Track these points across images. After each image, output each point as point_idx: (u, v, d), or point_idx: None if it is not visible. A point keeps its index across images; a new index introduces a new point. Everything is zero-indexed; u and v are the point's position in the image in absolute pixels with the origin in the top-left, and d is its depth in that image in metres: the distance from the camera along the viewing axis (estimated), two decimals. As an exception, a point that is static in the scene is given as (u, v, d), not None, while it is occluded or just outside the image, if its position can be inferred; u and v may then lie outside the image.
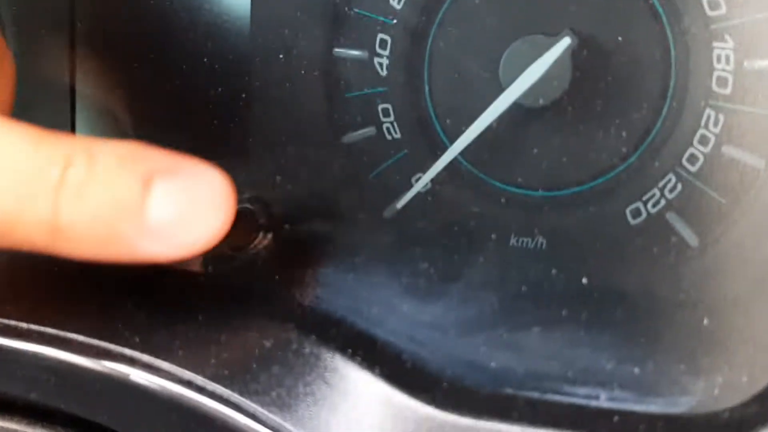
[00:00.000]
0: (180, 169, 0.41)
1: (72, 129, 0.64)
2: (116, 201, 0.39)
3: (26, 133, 0.40)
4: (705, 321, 0.46)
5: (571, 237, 0.55)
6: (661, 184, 0.54)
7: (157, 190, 0.40)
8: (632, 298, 0.51)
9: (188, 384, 0.41)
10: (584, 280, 0.51)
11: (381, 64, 0.57)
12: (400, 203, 0.57)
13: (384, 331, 0.47)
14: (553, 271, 0.53)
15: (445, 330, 0.48)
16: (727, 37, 0.51)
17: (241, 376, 0.42)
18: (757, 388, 0.41)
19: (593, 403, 0.42)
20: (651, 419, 0.40)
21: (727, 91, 0.52)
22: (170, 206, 0.40)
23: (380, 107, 0.58)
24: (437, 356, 0.46)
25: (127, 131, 0.63)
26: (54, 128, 0.63)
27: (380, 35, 0.57)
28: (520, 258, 0.55)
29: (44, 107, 0.64)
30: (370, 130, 0.58)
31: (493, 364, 0.45)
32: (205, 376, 0.41)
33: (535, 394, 0.43)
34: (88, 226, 0.39)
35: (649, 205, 0.54)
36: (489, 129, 0.53)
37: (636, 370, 0.44)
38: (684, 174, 0.53)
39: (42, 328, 0.43)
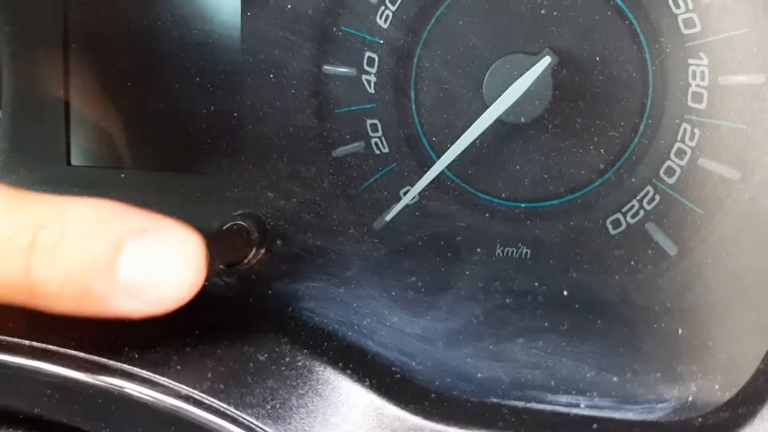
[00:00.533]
0: (151, 229, 0.42)
1: (67, 148, 0.65)
2: (87, 262, 0.40)
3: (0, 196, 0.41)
4: (680, 330, 0.48)
5: (555, 247, 0.57)
6: (639, 196, 0.56)
7: (127, 251, 0.41)
8: (612, 308, 0.53)
9: (186, 398, 0.42)
10: (565, 292, 0.53)
11: (369, 82, 0.59)
12: (389, 216, 0.59)
13: (374, 344, 0.49)
14: (536, 283, 0.54)
15: (433, 342, 0.50)
16: (702, 54, 0.53)
17: (236, 390, 0.43)
18: (728, 395, 0.43)
19: (574, 411, 0.44)
20: (628, 426, 0.42)
21: (703, 106, 0.53)
22: (140, 266, 0.41)
23: (369, 123, 0.59)
24: (426, 368, 0.47)
25: (120, 150, 0.65)
26: (49, 149, 0.65)
27: (368, 53, 0.58)
28: (506, 268, 0.56)
29: (39, 126, 0.66)
30: (359, 145, 0.60)
31: (479, 375, 0.47)
32: (201, 390, 0.43)
33: (520, 403, 0.45)
34: (61, 285, 0.41)
35: (629, 216, 0.56)
36: (474, 144, 0.55)
37: (615, 378, 0.46)
38: (662, 186, 0.55)
39: (44, 346, 0.44)
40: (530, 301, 0.54)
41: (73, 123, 0.66)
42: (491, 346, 0.49)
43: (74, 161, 0.66)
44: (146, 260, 0.41)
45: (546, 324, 0.51)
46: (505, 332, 0.50)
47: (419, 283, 0.55)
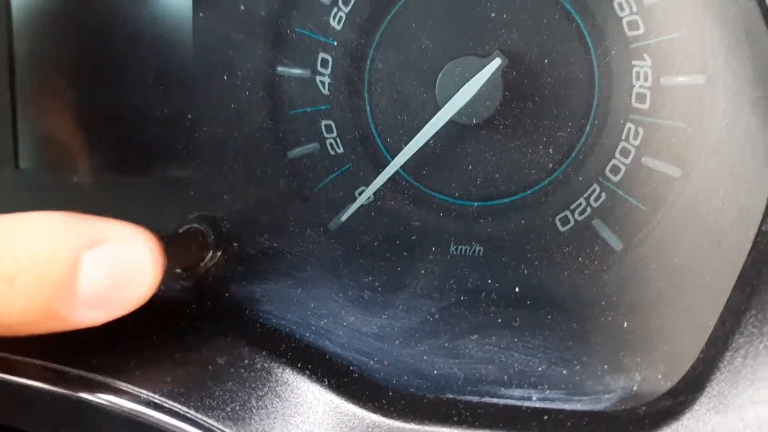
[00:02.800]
0: (107, 237, 0.41)
1: (15, 150, 0.64)
2: (47, 286, 0.40)
3: None
4: (625, 323, 0.50)
5: (506, 245, 0.58)
6: (587, 194, 0.57)
7: (85, 266, 0.40)
8: (561, 303, 0.54)
9: (145, 402, 0.43)
10: (517, 289, 0.54)
11: (323, 83, 0.59)
12: (345, 216, 0.59)
13: (332, 344, 0.50)
14: (489, 280, 0.56)
15: (390, 340, 0.51)
16: (645, 55, 0.55)
17: (196, 393, 0.44)
18: (670, 384, 0.45)
19: (526, 403, 0.46)
20: (577, 416, 0.44)
21: (646, 106, 0.55)
22: (101, 278, 0.41)
23: (323, 124, 0.60)
24: (383, 366, 0.48)
25: (71, 152, 0.64)
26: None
27: (321, 55, 0.59)
28: (460, 267, 0.58)
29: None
30: (314, 146, 0.60)
31: (435, 371, 0.48)
32: (161, 394, 0.43)
33: (474, 398, 0.46)
34: (24, 313, 0.40)
35: (576, 214, 0.58)
36: (427, 145, 0.56)
37: (564, 371, 0.48)
38: (607, 184, 0.57)
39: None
40: (483, 298, 0.55)
41: (20, 125, 0.64)
42: (446, 343, 0.50)
43: (23, 164, 0.65)
44: (104, 271, 0.41)
45: (499, 320, 0.52)
46: (460, 329, 0.52)
47: (375, 283, 0.56)
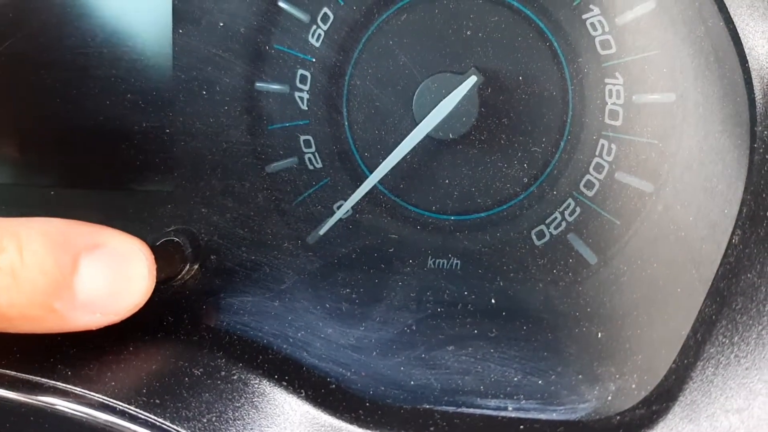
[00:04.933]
0: (104, 243, 0.44)
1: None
2: (48, 280, 0.41)
3: None
4: (599, 334, 0.51)
5: (483, 258, 0.59)
6: (561, 208, 0.58)
7: (84, 266, 0.42)
8: (536, 315, 0.55)
9: (121, 413, 0.42)
10: (493, 301, 0.55)
11: (302, 98, 0.60)
12: (323, 229, 0.60)
13: (309, 356, 0.50)
14: (465, 292, 0.56)
15: (367, 352, 0.51)
16: (617, 74, 0.56)
17: (172, 404, 0.44)
18: (644, 393, 0.46)
19: (502, 413, 0.46)
20: (552, 426, 0.44)
21: (619, 122, 0.57)
22: (98, 280, 0.43)
23: (302, 139, 0.60)
24: (360, 377, 0.49)
25: (50, 167, 0.64)
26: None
27: (300, 71, 0.59)
28: (437, 279, 0.58)
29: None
30: (292, 161, 0.61)
31: (412, 382, 0.49)
32: (137, 405, 0.43)
33: (451, 409, 0.46)
34: (25, 306, 0.41)
35: (552, 228, 0.59)
36: (405, 159, 0.57)
37: (540, 381, 0.48)
38: (582, 198, 0.58)
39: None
40: (460, 310, 0.56)
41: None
42: (423, 355, 0.51)
43: (0, 179, 0.65)
44: (101, 273, 0.43)
45: (475, 331, 0.52)
46: (437, 340, 0.52)
47: (353, 295, 0.56)
